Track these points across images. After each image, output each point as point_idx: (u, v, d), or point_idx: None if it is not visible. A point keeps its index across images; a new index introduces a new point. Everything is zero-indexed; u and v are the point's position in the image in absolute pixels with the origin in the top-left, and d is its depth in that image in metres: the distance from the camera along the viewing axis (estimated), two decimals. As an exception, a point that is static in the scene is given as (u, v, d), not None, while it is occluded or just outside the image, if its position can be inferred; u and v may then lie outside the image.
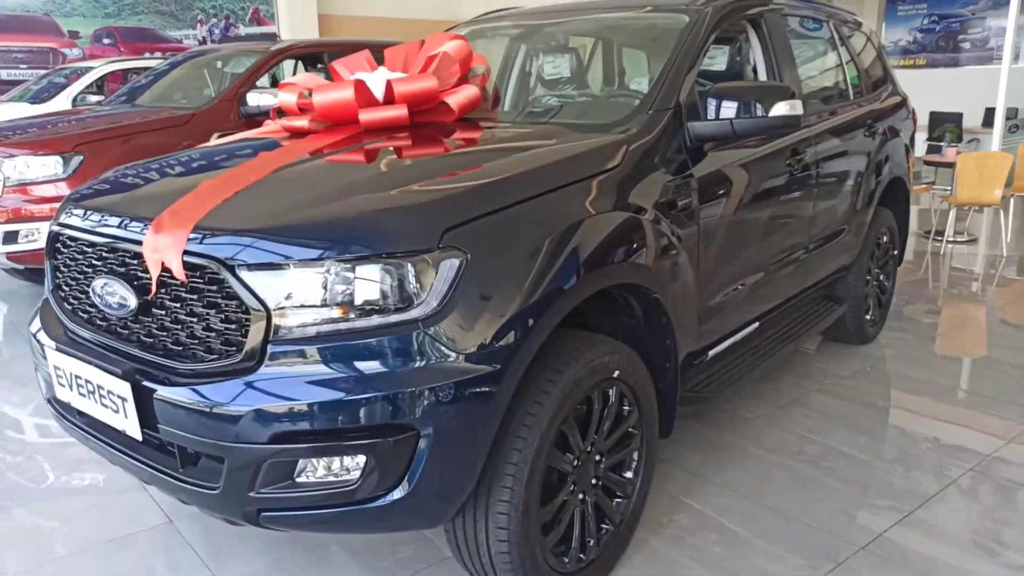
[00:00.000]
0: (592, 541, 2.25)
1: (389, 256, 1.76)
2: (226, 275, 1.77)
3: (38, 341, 2.29)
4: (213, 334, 1.85)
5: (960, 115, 9.49)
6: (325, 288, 1.76)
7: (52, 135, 4.85)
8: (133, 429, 1.93)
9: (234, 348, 1.82)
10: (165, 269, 1.86)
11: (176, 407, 1.84)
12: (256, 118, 5.45)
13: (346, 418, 1.74)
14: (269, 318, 1.76)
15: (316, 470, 1.80)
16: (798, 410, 3.56)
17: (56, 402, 2.32)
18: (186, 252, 1.83)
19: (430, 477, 1.79)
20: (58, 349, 2.12)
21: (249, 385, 1.77)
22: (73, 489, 2.93)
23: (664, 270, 2.35)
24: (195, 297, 1.86)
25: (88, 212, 2.17)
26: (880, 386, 3.85)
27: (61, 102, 8.61)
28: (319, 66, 6.37)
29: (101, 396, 2.00)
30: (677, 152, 2.52)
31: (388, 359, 1.75)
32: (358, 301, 1.76)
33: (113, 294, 2.01)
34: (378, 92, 2.66)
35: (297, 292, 1.76)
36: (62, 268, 2.29)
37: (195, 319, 1.87)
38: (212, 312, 1.84)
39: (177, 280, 1.86)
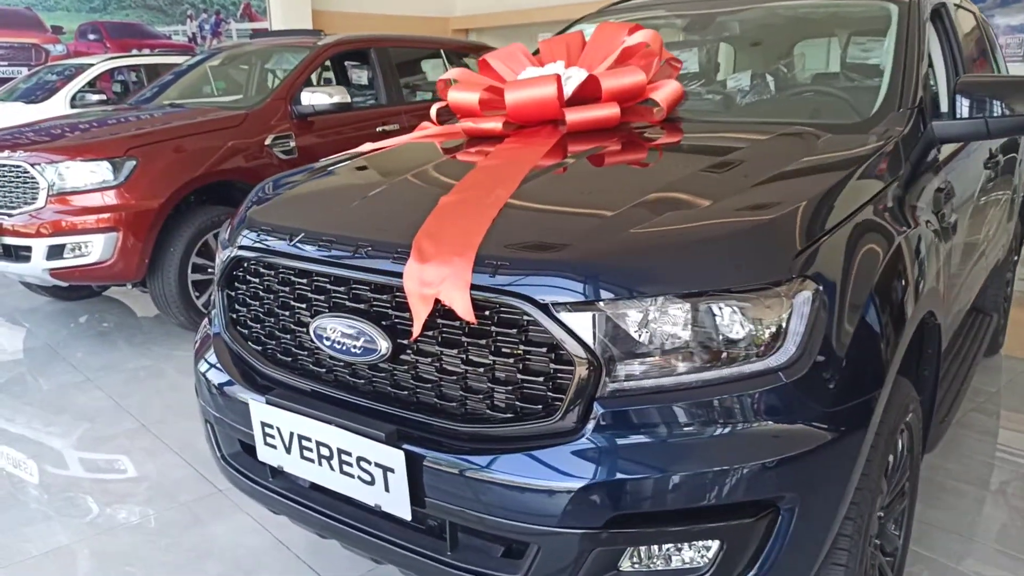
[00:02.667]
0: None
1: (742, 291, 1.42)
2: (537, 316, 1.42)
3: (219, 389, 1.90)
4: (507, 387, 1.49)
5: None
6: (667, 331, 1.42)
7: (99, 138, 4.36)
8: (397, 505, 1.56)
9: (540, 406, 1.46)
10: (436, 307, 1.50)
11: (462, 479, 1.47)
12: (309, 118, 5.06)
13: (701, 495, 1.39)
14: (597, 369, 1.40)
15: (652, 558, 1.45)
16: (968, 433, 3.29)
17: (239, 462, 1.93)
18: (473, 287, 1.47)
19: (784, 561, 1.46)
20: (271, 403, 1.73)
21: (576, 454, 1.41)
22: (125, 525, 2.55)
23: (942, 291, 2.06)
24: (481, 342, 1.50)
25: (290, 235, 1.79)
26: (1033, 401, 3.62)
27: (58, 102, 8.02)
28: (363, 64, 5.96)
29: (344, 463, 1.62)
30: (927, 155, 2.22)
31: (750, 419, 1.41)
32: (708, 348, 1.42)
33: (353, 336, 1.63)
34: (571, 88, 2.32)
35: (631, 336, 1.41)
36: (249, 300, 1.90)
37: (480, 369, 1.51)
38: (507, 361, 1.48)
39: (457, 321, 1.50)
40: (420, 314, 1.51)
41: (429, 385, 1.58)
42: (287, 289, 1.80)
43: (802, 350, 1.43)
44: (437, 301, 1.50)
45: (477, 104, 2.34)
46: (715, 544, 1.42)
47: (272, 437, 1.74)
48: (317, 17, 13.11)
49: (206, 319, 2.22)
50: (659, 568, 1.44)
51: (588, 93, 2.33)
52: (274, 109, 4.98)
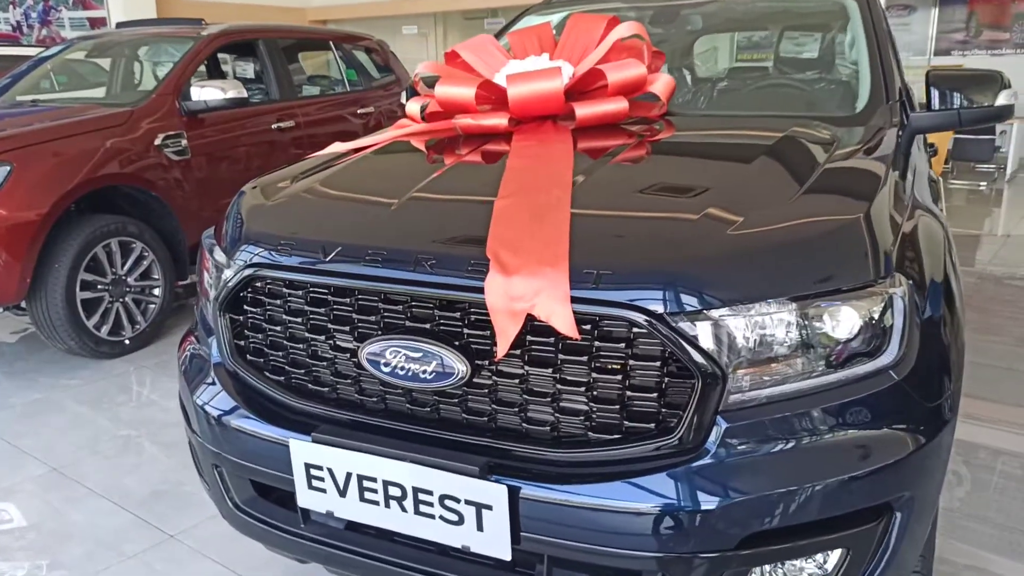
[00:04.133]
0: None
1: (850, 290, 1.38)
2: (652, 326, 1.31)
3: (233, 428, 1.65)
4: (612, 406, 1.37)
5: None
6: (783, 336, 1.35)
7: (-39, 141, 3.78)
8: (492, 545, 1.40)
9: (653, 424, 1.36)
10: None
11: (572, 511, 1.35)
12: (200, 115, 4.64)
13: (832, 504, 1.35)
14: (719, 380, 1.32)
15: (776, 574, 1.39)
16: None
17: (257, 509, 1.70)
18: (574, 300, 1.35)
19: (899, 559, 1.44)
20: (320, 441, 1.52)
21: (703, 472, 1.32)
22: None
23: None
24: (580, 359, 1.37)
25: (322, 249, 1.58)
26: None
27: None
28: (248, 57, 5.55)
29: (421, 503, 1.44)
30: (912, 144, 2.31)
31: (869, 422, 1.38)
32: (823, 351, 1.37)
33: (421, 359, 1.45)
34: (563, 81, 2.21)
35: (749, 343, 1.34)
36: (266, 325, 1.67)
37: (580, 388, 1.38)
38: (612, 378, 1.37)
39: (550, 337, 1.37)
40: (508, 332, 1.37)
41: (515, 409, 1.44)
42: (321, 311, 1.59)
43: (906, 346, 1.41)
44: (529, 316, 1.36)
45: (473, 100, 2.18)
46: (839, 552, 1.38)
47: (320, 480, 1.53)
48: (162, 5, 12.17)
49: (186, 344, 1.94)
50: (788, 580, 1.39)
51: (585, 87, 2.24)
52: (160, 105, 4.52)
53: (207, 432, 1.72)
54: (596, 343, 1.36)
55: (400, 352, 1.47)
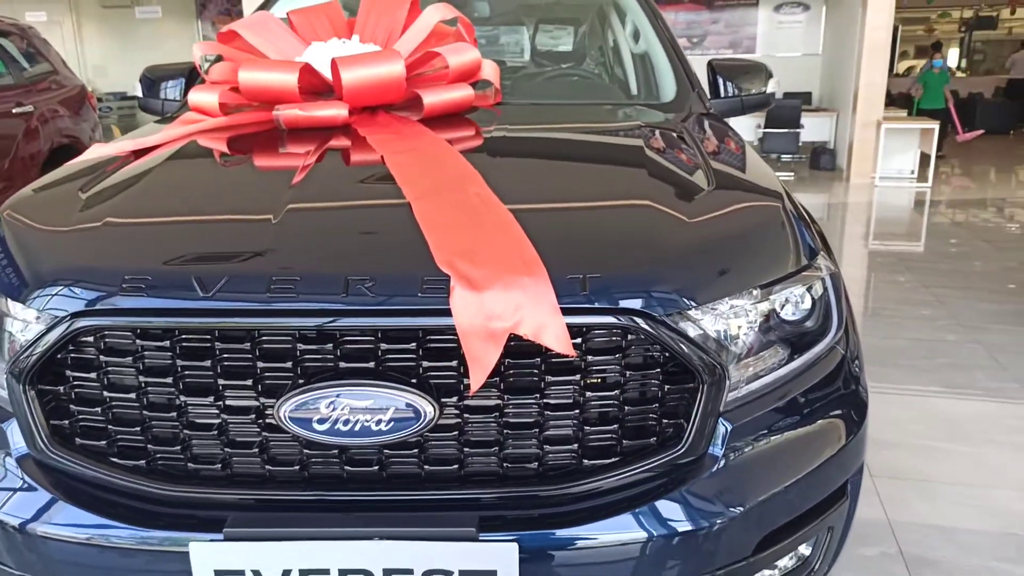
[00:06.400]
0: None
1: (798, 272, 1.38)
2: (655, 332, 1.17)
3: (69, 541, 1.18)
4: (610, 426, 1.21)
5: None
6: (758, 326, 1.30)
7: None
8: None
9: (654, 438, 1.23)
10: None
11: (588, 552, 1.17)
12: None
13: (822, 487, 1.34)
14: (723, 380, 1.23)
15: (772, 570, 1.34)
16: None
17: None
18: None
19: (849, 531, 1.48)
20: (234, 538, 1.12)
21: (717, 480, 1.22)
22: None
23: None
24: (571, 377, 1.19)
25: (200, 281, 1.17)
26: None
27: None
28: None
29: (397, 587, 1.14)
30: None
31: (836, 399, 1.39)
32: (792, 336, 1.35)
33: (370, 409, 1.15)
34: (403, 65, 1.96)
35: (739, 337, 1.27)
36: (107, 394, 1.21)
37: (573, 411, 1.20)
38: (607, 394, 1.20)
39: (533, 358, 1.17)
40: (486, 358, 1.13)
41: (492, 448, 1.20)
42: (204, 364, 1.18)
43: (843, 322, 1.45)
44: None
45: (296, 87, 1.82)
46: (828, 529, 1.38)
47: (243, 587, 1.15)
48: None
49: None
50: (786, 570, 1.35)
51: (414, 72, 2.00)
52: None
53: (31, 559, 1.21)
54: (588, 357, 1.19)
55: (341, 402, 1.15)
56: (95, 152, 1.83)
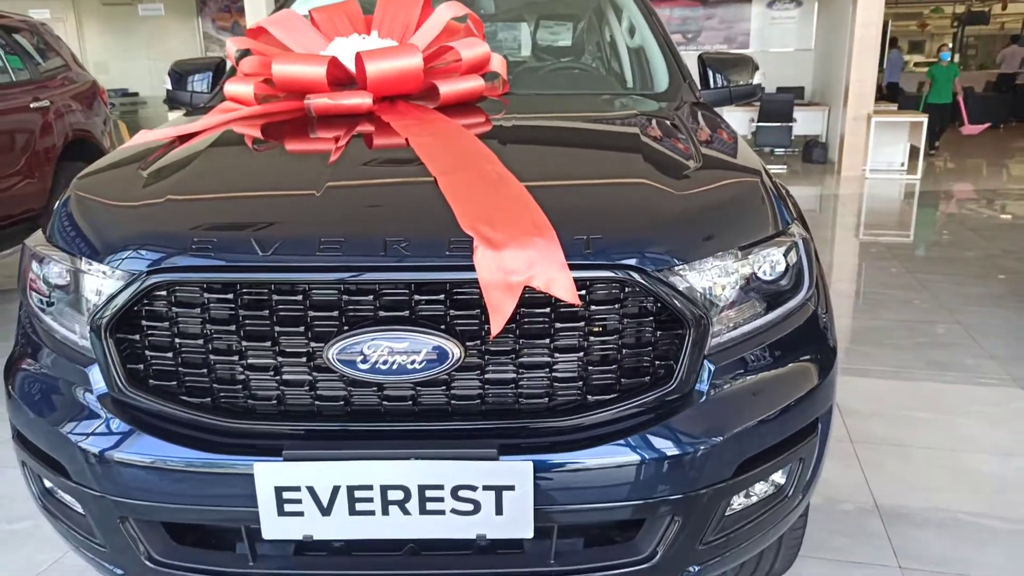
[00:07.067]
0: None
1: (775, 235, 1.58)
2: (648, 284, 1.37)
3: (151, 468, 1.38)
4: (609, 367, 1.41)
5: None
6: (742, 282, 1.50)
7: None
8: (513, 527, 1.36)
9: (647, 378, 1.43)
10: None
11: (591, 474, 1.37)
12: None
13: (792, 423, 1.54)
14: (706, 326, 1.43)
15: (750, 495, 1.54)
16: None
17: (188, 559, 1.45)
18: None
19: (821, 467, 1.69)
20: (293, 458, 1.33)
21: (703, 413, 1.42)
22: None
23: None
24: (575, 324, 1.39)
25: (260, 243, 1.37)
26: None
27: None
28: None
29: (428, 501, 1.34)
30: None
31: (805, 347, 1.59)
32: (768, 292, 1.55)
33: (407, 350, 1.34)
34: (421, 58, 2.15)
35: (722, 291, 1.47)
36: (179, 342, 1.41)
37: (577, 353, 1.40)
38: (607, 339, 1.41)
39: (544, 307, 1.37)
40: (504, 307, 1.33)
41: (508, 385, 1.40)
42: (262, 313, 1.38)
43: (813, 282, 1.65)
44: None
45: (324, 78, 2.02)
46: (791, 465, 1.58)
47: (295, 503, 1.34)
48: None
49: (18, 377, 1.57)
50: (757, 499, 1.55)
51: (430, 65, 2.20)
52: None
53: (110, 482, 1.41)
54: (591, 307, 1.39)
55: (381, 345, 1.35)
56: (142, 138, 2.02)
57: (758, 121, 10.77)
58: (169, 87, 2.83)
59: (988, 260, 5.79)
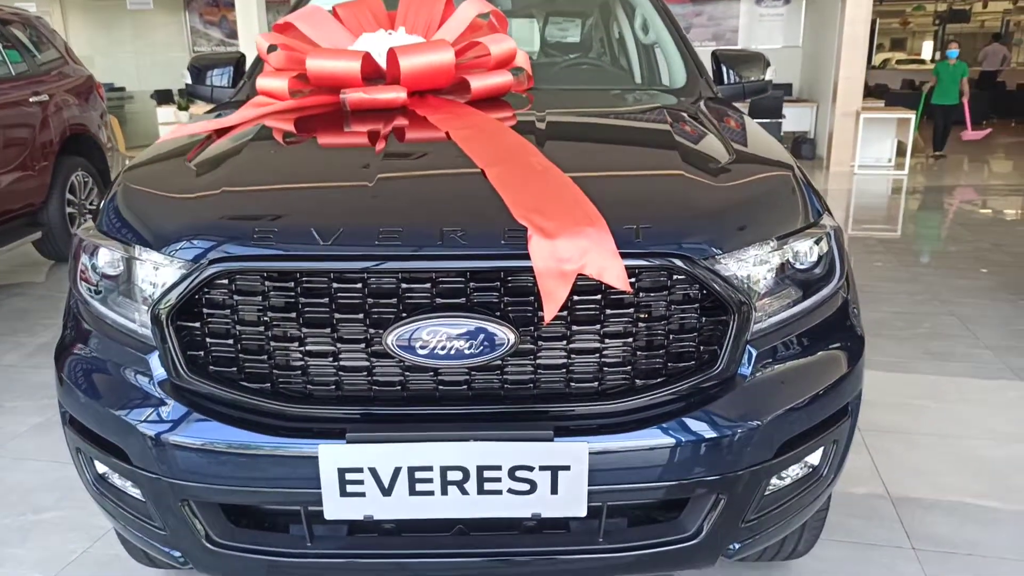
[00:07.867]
0: None
1: (809, 227, 1.64)
2: (695, 272, 1.42)
3: (212, 451, 1.42)
4: (657, 352, 1.47)
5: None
6: (780, 271, 1.56)
7: None
8: (567, 506, 1.41)
9: (693, 362, 1.49)
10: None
11: (643, 454, 1.43)
12: None
13: (831, 405, 1.60)
14: (749, 313, 1.48)
15: (786, 476, 1.61)
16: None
17: (251, 542, 1.49)
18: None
19: (849, 449, 1.75)
20: (356, 440, 1.37)
21: (746, 395, 1.49)
22: None
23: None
24: (626, 311, 1.44)
25: (320, 233, 1.41)
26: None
27: None
28: None
29: (487, 481, 1.39)
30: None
31: (839, 334, 1.66)
32: (804, 280, 1.61)
33: (464, 336, 1.39)
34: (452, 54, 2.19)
35: (763, 279, 1.53)
36: (240, 328, 1.45)
37: (627, 339, 1.45)
38: (656, 324, 1.46)
39: (596, 295, 1.42)
40: (557, 294, 1.38)
41: (561, 370, 1.46)
42: (321, 301, 1.42)
43: (844, 272, 1.72)
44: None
45: (359, 73, 2.06)
46: (823, 448, 1.64)
47: (358, 484, 1.39)
48: None
49: (70, 363, 1.61)
50: (795, 478, 1.61)
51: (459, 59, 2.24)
52: None
53: (171, 465, 1.45)
54: (640, 294, 1.44)
55: (438, 331, 1.39)
56: (180, 132, 2.06)
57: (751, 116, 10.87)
58: (189, 82, 2.86)
59: (978, 254, 5.91)
